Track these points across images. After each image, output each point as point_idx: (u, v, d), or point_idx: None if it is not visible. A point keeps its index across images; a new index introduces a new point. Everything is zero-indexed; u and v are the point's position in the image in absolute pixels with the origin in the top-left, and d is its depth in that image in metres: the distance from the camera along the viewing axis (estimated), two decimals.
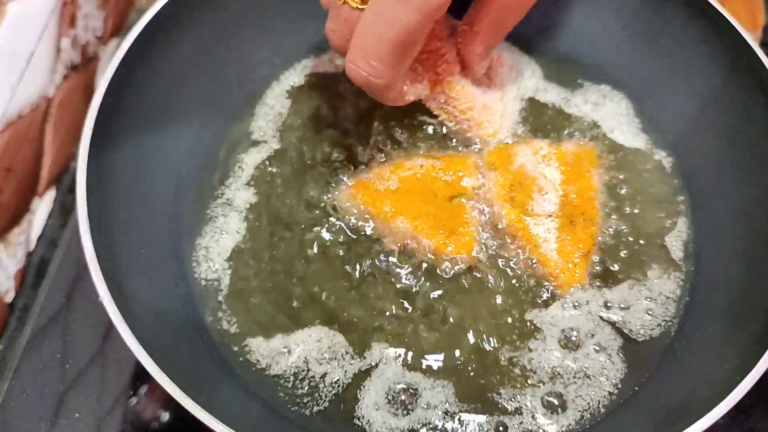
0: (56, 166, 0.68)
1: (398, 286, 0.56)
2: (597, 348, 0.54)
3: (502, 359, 0.53)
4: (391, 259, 0.56)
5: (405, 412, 0.51)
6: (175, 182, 0.60)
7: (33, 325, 0.60)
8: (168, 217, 0.58)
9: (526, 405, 0.52)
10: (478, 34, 0.54)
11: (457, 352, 0.53)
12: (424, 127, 0.63)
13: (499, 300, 0.55)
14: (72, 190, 0.61)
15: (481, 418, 0.51)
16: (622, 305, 0.56)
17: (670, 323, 0.56)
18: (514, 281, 0.56)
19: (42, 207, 0.67)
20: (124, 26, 0.80)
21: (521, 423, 0.51)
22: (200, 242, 0.58)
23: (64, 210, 0.69)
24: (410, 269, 0.56)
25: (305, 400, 0.52)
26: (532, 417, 0.51)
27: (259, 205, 0.60)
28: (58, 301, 0.61)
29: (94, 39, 0.73)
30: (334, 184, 0.60)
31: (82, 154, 0.49)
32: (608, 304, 0.56)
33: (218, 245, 0.58)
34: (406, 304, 0.55)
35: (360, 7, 0.45)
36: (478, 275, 0.56)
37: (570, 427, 0.51)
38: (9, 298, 0.63)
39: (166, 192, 0.59)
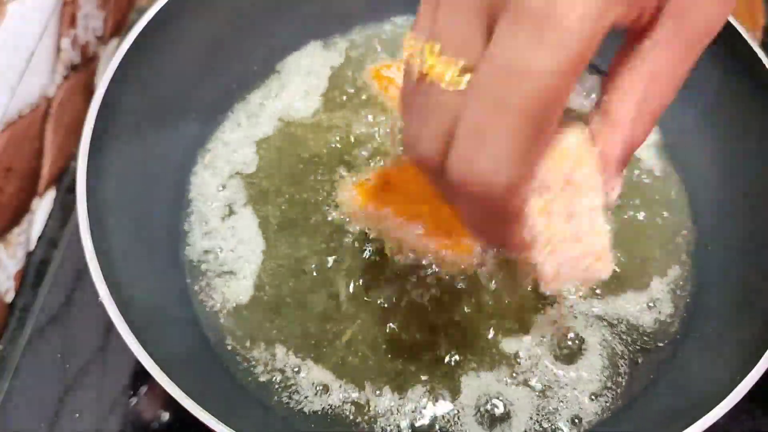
0: (56, 166, 0.68)
1: (395, 286, 0.56)
2: (597, 350, 0.54)
3: (502, 359, 0.53)
4: (383, 259, 0.57)
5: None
6: (175, 182, 0.60)
7: (33, 325, 0.60)
8: (168, 217, 0.58)
9: (526, 408, 0.52)
10: (618, 127, 0.34)
11: (459, 354, 0.53)
12: None
13: (498, 301, 0.55)
14: (72, 190, 0.61)
15: (471, 420, 0.51)
16: (622, 306, 0.56)
17: (670, 324, 0.56)
18: (514, 281, 0.56)
19: (42, 207, 0.67)
20: (124, 26, 0.80)
21: (520, 425, 0.51)
22: (201, 242, 0.58)
23: (64, 210, 0.69)
24: (408, 271, 0.56)
25: (304, 400, 0.52)
26: (533, 420, 0.51)
27: (259, 205, 0.60)
28: (58, 301, 0.61)
29: (94, 39, 0.73)
30: (333, 186, 0.60)
31: (82, 154, 0.49)
32: (608, 306, 0.56)
33: (219, 245, 0.58)
34: (405, 306, 0.55)
35: (450, 89, 0.29)
36: (479, 276, 0.56)
37: (571, 430, 0.51)
38: (9, 298, 0.62)
39: (167, 192, 0.59)
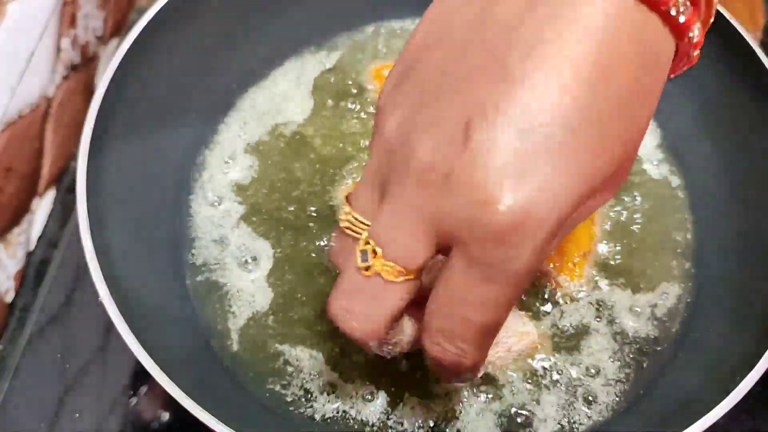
0: (56, 166, 0.68)
1: None
2: (596, 350, 0.54)
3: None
4: None
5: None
6: (176, 182, 0.60)
7: (33, 325, 0.60)
8: (168, 217, 0.58)
9: (527, 408, 0.52)
10: None
11: None
12: None
13: None
14: (72, 190, 0.61)
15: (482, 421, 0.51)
16: (621, 306, 0.56)
17: (670, 324, 0.56)
18: None
19: (42, 207, 0.67)
20: (124, 26, 0.80)
21: (521, 424, 0.51)
22: (201, 242, 0.58)
23: (64, 210, 0.69)
24: None
25: (308, 401, 0.52)
26: (532, 419, 0.51)
27: (260, 207, 0.60)
28: (58, 301, 0.61)
29: (94, 39, 0.73)
30: (334, 187, 0.60)
31: (82, 154, 0.49)
32: (608, 306, 0.56)
33: (219, 245, 0.58)
34: None
35: (397, 280, 0.34)
36: None
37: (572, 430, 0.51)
38: (9, 298, 0.62)
39: (167, 191, 0.59)
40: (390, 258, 0.33)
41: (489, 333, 0.34)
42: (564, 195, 0.30)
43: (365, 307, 0.35)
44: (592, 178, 0.31)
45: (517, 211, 0.29)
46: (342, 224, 0.37)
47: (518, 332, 0.47)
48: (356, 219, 0.36)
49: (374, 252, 0.33)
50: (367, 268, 0.34)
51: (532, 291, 0.56)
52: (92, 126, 0.50)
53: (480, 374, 0.42)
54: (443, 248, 0.33)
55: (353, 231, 0.36)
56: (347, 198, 0.38)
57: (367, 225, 0.35)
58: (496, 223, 0.29)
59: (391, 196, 0.33)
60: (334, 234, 0.40)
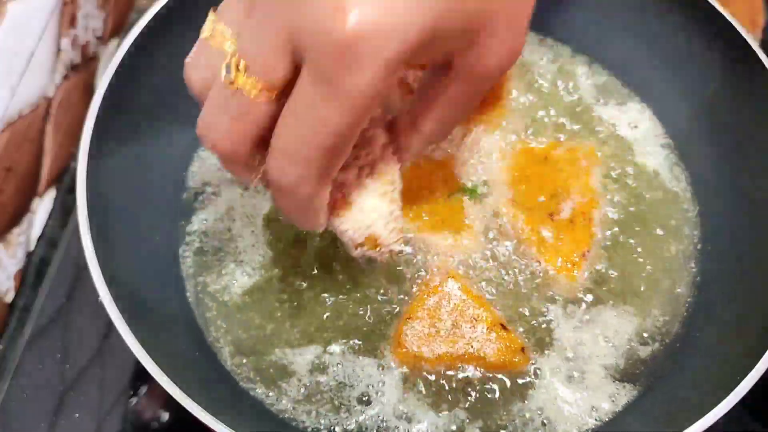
0: (56, 166, 0.68)
1: (391, 285, 0.56)
2: (595, 351, 0.54)
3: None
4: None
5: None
6: (175, 181, 0.60)
7: (33, 325, 0.60)
8: (168, 217, 0.58)
9: (529, 409, 0.52)
10: (419, 131, 0.43)
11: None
12: None
13: (498, 298, 0.55)
14: (72, 190, 0.61)
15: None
16: (621, 307, 0.56)
17: (670, 324, 0.56)
18: (515, 278, 0.56)
19: (42, 207, 0.67)
20: (124, 26, 0.80)
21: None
22: (200, 242, 0.58)
23: (64, 210, 0.69)
24: (406, 266, 0.56)
25: (303, 402, 0.52)
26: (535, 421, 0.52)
27: (259, 204, 0.60)
28: (58, 301, 0.61)
29: (94, 39, 0.73)
30: None
31: (82, 154, 0.49)
32: (607, 306, 0.56)
33: (217, 246, 0.58)
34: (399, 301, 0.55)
35: (260, 98, 0.34)
36: (480, 270, 0.56)
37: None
38: (9, 298, 0.63)
39: (166, 191, 0.59)
40: (253, 73, 0.34)
41: (327, 157, 0.35)
42: (412, 21, 0.31)
43: (228, 124, 0.36)
44: (440, 16, 0.32)
45: (366, 23, 0.30)
46: (204, 33, 0.38)
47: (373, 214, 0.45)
48: (222, 30, 0.37)
49: (237, 67, 0.34)
50: (231, 83, 0.34)
51: (532, 288, 0.56)
52: (92, 126, 0.50)
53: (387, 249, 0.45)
54: (299, 65, 0.33)
55: (218, 43, 0.37)
56: (214, 9, 0.38)
57: (232, 39, 0.36)
58: (343, 32, 0.30)
59: (257, 8, 0.34)
60: (194, 49, 0.40)
